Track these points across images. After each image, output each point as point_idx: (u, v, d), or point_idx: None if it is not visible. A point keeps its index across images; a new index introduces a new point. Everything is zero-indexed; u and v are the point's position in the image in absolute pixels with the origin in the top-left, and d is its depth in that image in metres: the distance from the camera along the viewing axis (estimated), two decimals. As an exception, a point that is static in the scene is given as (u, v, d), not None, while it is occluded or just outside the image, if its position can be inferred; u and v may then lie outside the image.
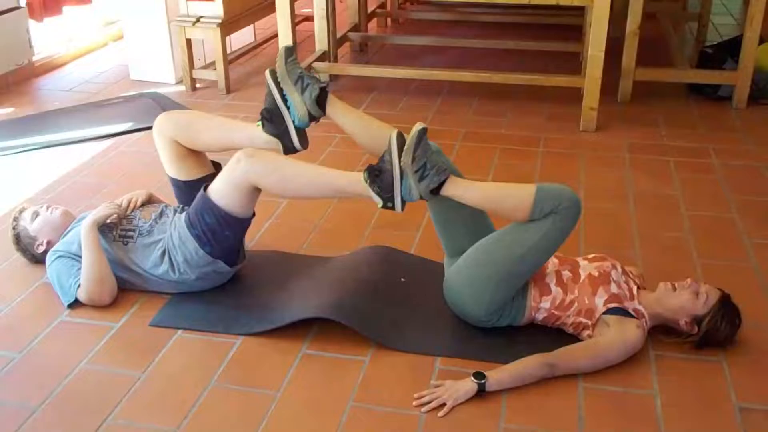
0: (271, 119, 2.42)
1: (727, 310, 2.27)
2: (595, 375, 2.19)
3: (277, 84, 2.40)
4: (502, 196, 2.28)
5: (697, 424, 2.05)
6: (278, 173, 2.34)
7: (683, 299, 2.27)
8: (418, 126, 2.21)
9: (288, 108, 2.41)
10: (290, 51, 2.42)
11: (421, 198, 2.23)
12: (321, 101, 2.39)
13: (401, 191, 2.22)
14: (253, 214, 2.51)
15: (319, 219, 3.10)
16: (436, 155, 2.29)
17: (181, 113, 2.66)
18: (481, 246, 2.32)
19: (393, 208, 2.26)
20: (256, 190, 2.41)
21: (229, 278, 2.62)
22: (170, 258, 2.50)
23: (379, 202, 2.25)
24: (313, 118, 2.41)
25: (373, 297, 2.50)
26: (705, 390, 2.17)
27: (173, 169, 2.63)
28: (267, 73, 2.43)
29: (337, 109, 2.44)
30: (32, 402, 2.13)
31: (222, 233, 2.45)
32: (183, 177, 2.63)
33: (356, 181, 2.28)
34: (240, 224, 2.48)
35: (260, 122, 2.45)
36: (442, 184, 2.21)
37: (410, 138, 2.20)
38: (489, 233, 2.40)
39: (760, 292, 2.60)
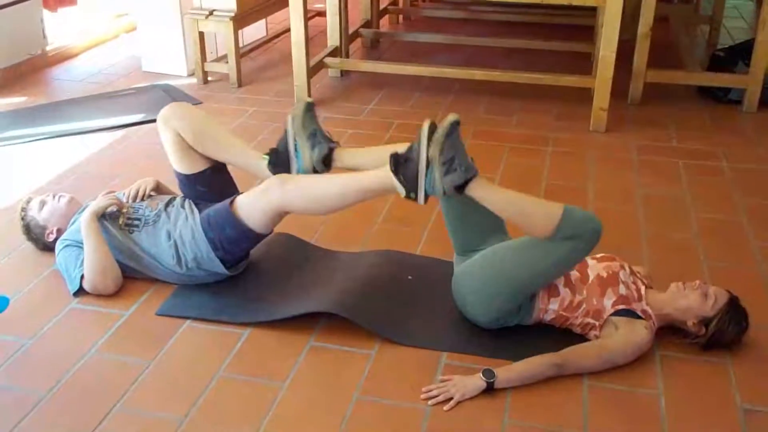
0: (277, 162, 2.46)
1: (734, 312, 2.27)
2: (600, 373, 2.20)
3: (293, 132, 2.43)
4: (528, 210, 2.21)
5: (701, 424, 2.06)
6: (306, 196, 2.37)
7: (692, 300, 2.28)
8: (450, 117, 2.12)
9: (297, 157, 2.44)
10: (310, 106, 2.44)
11: (444, 194, 2.16)
12: (327, 161, 2.42)
13: (425, 183, 2.15)
14: (271, 231, 2.55)
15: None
16: (465, 151, 2.17)
17: (193, 113, 2.65)
18: (496, 255, 2.30)
19: (416, 199, 2.18)
20: (284, 213, 2.46)
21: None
22: (179, 253, 2.52)
23: (402, 192, 2.18)
24: (316, 172, 2.44)
25: (380, 294, 2.51)
26: (710, 391, 2.17)
27: (176, 161, 2.65)
28: (288, 118, 2.43)
29: (344, 159, 2.45)
30: (41, 388, 2.15)
31: (239, 246, 2.51)
32: (185, 170, 2.64)
33: (382, 174, 2.23)
34: (258, 240, 2.54)
35: (267, 159, 2.48)
36: (468, 181, 2.14)
37: (441, 128, 2.12)
38: (502, 235, 2.41)
39: (766, 296, 2.59)
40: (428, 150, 2.12)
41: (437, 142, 2.11)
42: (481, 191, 2.17)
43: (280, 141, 2.47)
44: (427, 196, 2.18)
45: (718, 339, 2.27)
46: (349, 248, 2.83)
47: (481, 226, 2.40)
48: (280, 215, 2.45)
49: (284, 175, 2.42)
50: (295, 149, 2.44)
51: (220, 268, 2.51)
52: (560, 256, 2.20)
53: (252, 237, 2.49)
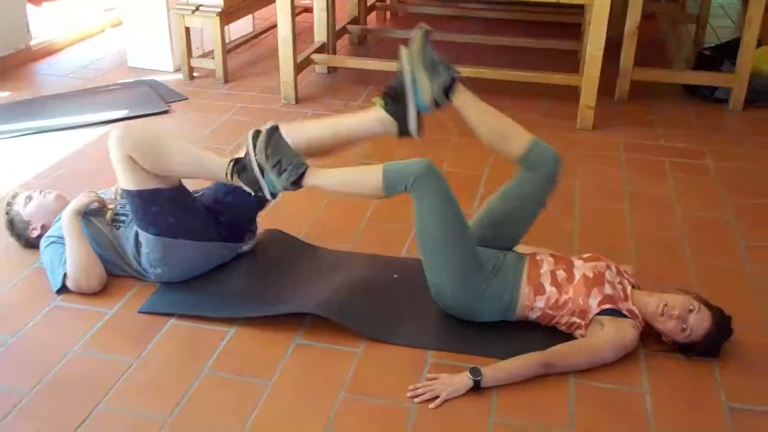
0: (395, 99, 2.35)
1: (714, 336, 2.23)
2: (587, 372, 2.20)
3: (410, 64, 2.33)
4: (355, 182, 2.33)
5: (686, 422, 2.06)
6: (154, 152, 2.38)
7: (668, 328, 2.25)
8: (266, 125, 2.25)
9: (415, 91, 2.33)
10: (427, 34, 2.34)
11: (286, 190, 2.28)
12: (449, 90, 2.35)
13: (266, 185, 2.27)
14: (177, 185, 2.49)
15: (313, 212, 3.09)
16: (291, 150, 2.28)
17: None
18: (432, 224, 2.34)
19: (264, 198, 2.34)
20: (138, 161, 2.39)
21: (219, 260, 2.61)
22: (142, 252, 2.52)
23: (251, 192, 2.32)
24: (437, 105, 2.35)
25: (366, 294, 2.50)
26: (695, 389, 2.18)
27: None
28: (403, 51, 2.34)
29: (464, 101, 2.38)
30: (23, 387, 2.13)
31: (150, 211, 2.45)
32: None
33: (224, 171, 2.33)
34: (158, 196, 2.43)
35: (382, 99, 2.37)
36: (301, 176, 2.26)
37: (261, 136, 2.25)
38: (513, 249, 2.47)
39: (752, 295, 2.60)
40: (256, 157, 2.26)
41: (261, 150, 2.25)
42: (315, 180, 2.29)
43: (396, 77, 2.35)
44: (274, 194, 2.31)
45: (697, 352, 2.26)
46: (336, 246, 2.82)
47: (498, 241, 2.44)
48: (135, 165, 2.38)
49: (124, 128, 2.44)
50: (413, 82, 2.33)
51: (180, 244, 2.46)
52: (429, 212, 2.26)
53: (149, 197, 2.42)
